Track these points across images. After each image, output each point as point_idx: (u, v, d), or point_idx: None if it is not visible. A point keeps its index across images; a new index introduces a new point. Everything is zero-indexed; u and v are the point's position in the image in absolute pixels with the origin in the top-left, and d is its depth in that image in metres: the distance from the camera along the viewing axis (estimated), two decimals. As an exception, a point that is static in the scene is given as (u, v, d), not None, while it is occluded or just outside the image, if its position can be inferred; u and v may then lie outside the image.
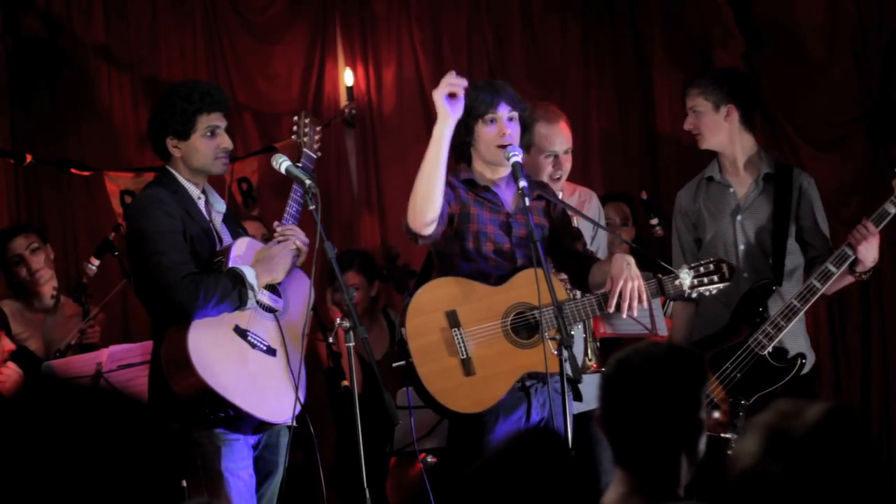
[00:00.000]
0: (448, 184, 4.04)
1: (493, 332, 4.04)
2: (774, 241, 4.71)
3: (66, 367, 4.69)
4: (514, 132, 4.12)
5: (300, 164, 4.04)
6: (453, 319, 4.02)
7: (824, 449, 1.64)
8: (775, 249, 4.71)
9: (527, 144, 4.32)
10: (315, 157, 4.17)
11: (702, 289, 4.13)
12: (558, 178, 4.65)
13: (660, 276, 4.13)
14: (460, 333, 4.01)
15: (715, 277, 4.13)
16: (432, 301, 4.06)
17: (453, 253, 4.15)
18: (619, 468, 2.36)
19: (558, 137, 4.63)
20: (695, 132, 4.81)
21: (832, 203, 5.96)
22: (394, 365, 4.03)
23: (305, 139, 4.16)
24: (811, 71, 6.05)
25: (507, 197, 4.22)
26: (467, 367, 4.00)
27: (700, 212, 4.84)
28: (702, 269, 4.14)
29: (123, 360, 4.63)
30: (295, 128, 4.18)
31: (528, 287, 4.03)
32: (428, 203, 3.94)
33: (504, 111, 4.12)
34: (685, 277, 4.10)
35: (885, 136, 5.91)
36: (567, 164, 4.67)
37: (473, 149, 4.17)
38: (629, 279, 3.97)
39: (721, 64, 6.15)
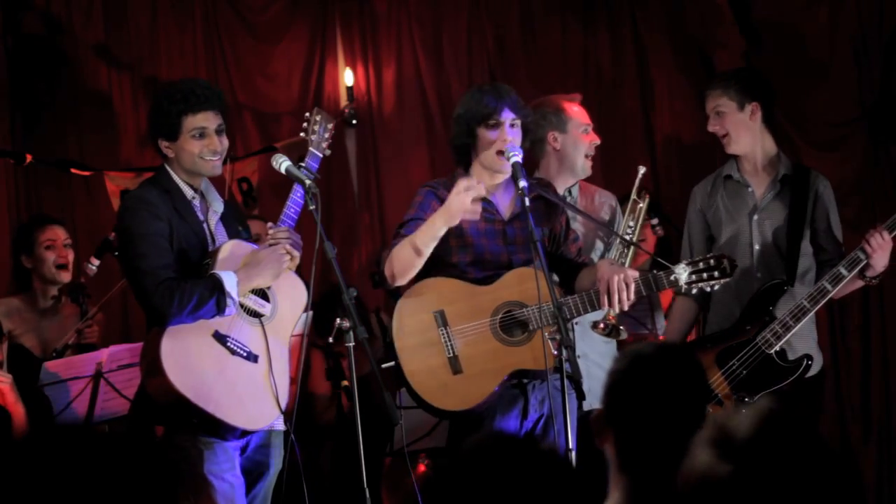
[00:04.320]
0: (441, 199, 4.04)
1: (481, 330, 4.05)
2: (789, 243, 4.70)
3: (65, 367, 4.69)
4: (515, 138, 4.11)
5: (302, 164, 3.95)
6: (441, 319, 4.03)
7: (770, 445, 1.63)
8: (789, 251, 4.70)
9: (527, 148, 4.31)
10: (321, 156, 4.08)
11: (701, 284, 4.08)
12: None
13: (654, 271, 4.11)
14: (447, 332, 4.02)
15: (715, 273, 4.07)
16: (420, 301, 4.06)
17: (445, 261, 4.14)
18: (620, 474, 2.24)
19: (583, 113, 4.79)
20: (721, 134, 4.74)
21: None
22: (383, 366, 4.02)
23: (313, 137, 4.08)
24: (811, 71, 6.04)
25: (504, 204, 4.21)
26: (454, 365, 4.01)
27: (717, 209, 4.82)
28: (701, 264, 4.08)
29: (123, 361, 4.63)
30: (305, 125, 4.10)
31: (517, 286, 4.04)
32: (404, 275, 4.06)
33: (507, 116, 4.10)
34: (681, 273, 4.06)
35: (885, 136, 5.91)
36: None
37: (474, 151, 4.16)
38: (616, 273, 3.98)
39: (721, 64, 6.15)
